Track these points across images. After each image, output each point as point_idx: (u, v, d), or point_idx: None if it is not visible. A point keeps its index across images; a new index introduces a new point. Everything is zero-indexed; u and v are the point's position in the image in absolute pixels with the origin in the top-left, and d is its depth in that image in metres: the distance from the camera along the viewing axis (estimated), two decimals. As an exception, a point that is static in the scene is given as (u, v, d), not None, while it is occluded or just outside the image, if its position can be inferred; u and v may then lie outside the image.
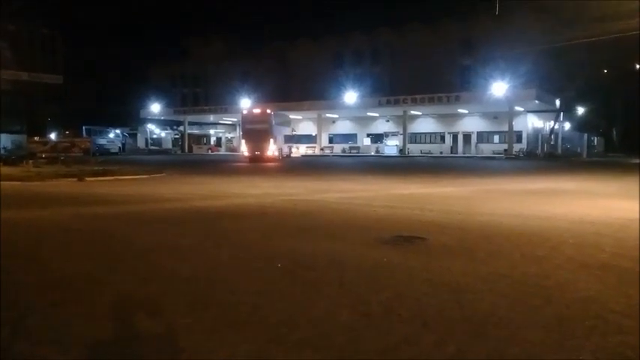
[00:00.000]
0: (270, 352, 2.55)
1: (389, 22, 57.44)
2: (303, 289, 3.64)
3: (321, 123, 53.46)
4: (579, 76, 43.44)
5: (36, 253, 4.92)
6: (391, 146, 50.73)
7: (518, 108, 44.94)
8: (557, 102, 45.76)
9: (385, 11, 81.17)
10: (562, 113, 47.96)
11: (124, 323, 3.02)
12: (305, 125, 56.17)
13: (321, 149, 53.17)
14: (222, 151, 62.22)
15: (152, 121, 63.08)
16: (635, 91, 44.00)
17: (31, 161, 19.05)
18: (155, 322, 3.00)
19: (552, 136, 49.18)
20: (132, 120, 61.37)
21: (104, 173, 15.19)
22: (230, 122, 61.95)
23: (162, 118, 62.02)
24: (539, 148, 48.04)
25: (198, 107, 62.28)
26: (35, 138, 31.56)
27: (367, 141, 55.33)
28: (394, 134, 52.52)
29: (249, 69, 64.86)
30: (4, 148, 28.15)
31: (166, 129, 65.80)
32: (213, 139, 66.18)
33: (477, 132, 50.45)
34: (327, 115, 54.21)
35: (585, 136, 52.84)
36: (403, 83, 51.60)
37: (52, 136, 40.75)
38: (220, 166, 26.32)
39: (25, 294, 3.53)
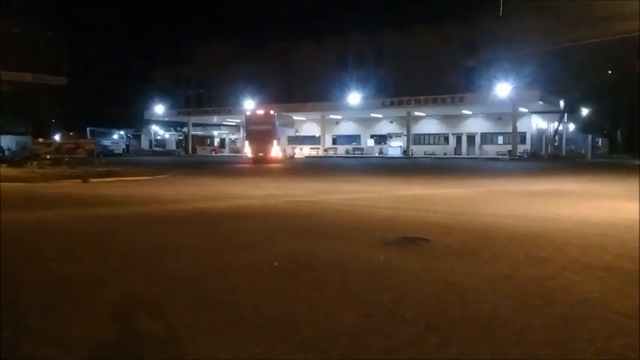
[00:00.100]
0: (273, 352, 2.54)
1: (392, 23, 57.36)
2: (306, 290, 3.62)
3: (324, 124, 53.44)
4: (583, 77, 43.32)
5: (38, 253, 4.92)
6: (395, 147, 50.72)
7: (522, 109, 44.87)
8: (562, 103, 45.60)
9: (388, 12, 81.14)
10: (566, 114, 47.82)
11: (125, 324, 3.01)
12: (308, 126, 56.19)
13: (325, 150, 53.13)
14: (226, 152, 62.32)
15: (156, 122, 63.24)
16: (639, 93, 43.81)
17: (35, 162, 19.09)
18: (157, 323, 3.00)
19: (556, 138, 49.06)
20: (136, 121, 61.52)
21: (108, 174, 15.24)
22: (234, 123, 62.07)
23: (166, 119, 62.18)
24: (544, 149, 47.91)
25: (202, 108, 62.39)
26: (39, 139, 31.64)
27: (371, 142, 55.25)
28: (398, 135, 52.52)
29: (252, 70, 65.01)
30: (8, 149, 28.24)
31: (170, 130, 65.96)
32: (216, 141, 66.33)
33: (481, 133, 50.36)
34: (331, 116, 54.18)
35: (589, 137, 52.70)
36: (407, 84, 51.50)
37: (57, 137, 40.85)
38: (224, 167, 26.34)
39: (26, 294, 3.53)
